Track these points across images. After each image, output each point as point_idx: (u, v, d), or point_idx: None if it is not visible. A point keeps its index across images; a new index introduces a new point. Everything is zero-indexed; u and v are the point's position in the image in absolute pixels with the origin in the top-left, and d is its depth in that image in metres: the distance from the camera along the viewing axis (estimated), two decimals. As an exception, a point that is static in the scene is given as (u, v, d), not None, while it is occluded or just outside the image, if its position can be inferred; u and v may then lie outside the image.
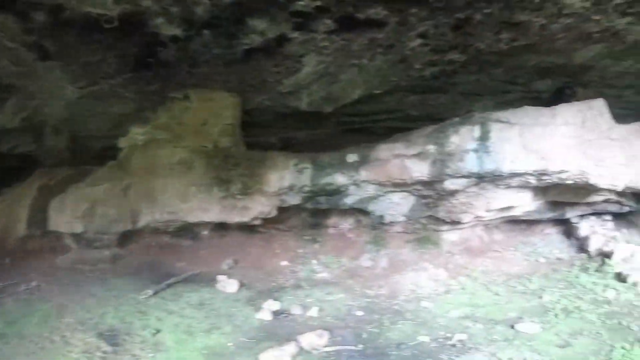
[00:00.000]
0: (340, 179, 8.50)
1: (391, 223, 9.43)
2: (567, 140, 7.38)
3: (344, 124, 10.67)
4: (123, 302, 7.07)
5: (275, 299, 7.39)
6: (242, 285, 8.05)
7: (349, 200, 8.88)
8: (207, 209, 8.58)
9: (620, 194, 8.24)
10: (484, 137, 7.56)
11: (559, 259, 8.98)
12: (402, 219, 9.27)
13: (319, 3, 5.49)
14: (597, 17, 6.09)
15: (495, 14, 5.96)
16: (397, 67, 7.55)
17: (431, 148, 7.96)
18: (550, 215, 9.27)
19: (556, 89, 9.03)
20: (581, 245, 9.10)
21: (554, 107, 7.65)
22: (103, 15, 5.52)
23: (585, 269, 8.20)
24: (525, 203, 8.62)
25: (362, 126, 10.93)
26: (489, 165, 7.50)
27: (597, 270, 8.04)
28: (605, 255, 8.31)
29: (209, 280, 8.17)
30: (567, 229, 9.65)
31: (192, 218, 8.71)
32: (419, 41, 6.68)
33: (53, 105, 8.20)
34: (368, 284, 8.32)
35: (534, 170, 7.44)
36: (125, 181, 8.75)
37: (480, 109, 8.18)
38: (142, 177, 8.71)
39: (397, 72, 7.79)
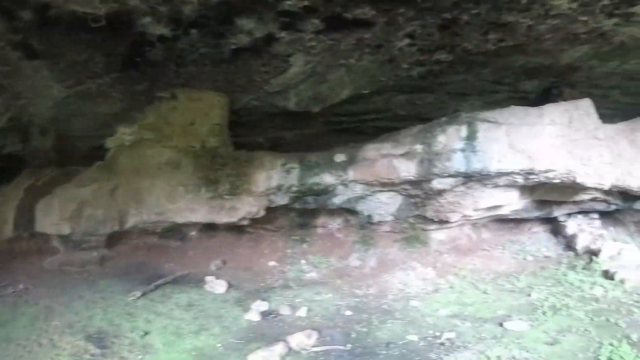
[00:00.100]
0: (328, 178, 8.50)
1: (379, 222, 9.46)
2: (553, 139, 7.44)
3: (332, 124, 10.67)
4: (111, 304, 7.03)
5: (264, 300, 7.39)
6: (230, 285, 8.04)
7: (337, 200, 8.89)
8: (195, 209, 8.55)
9: (607, 192, 8.31)
10: (471, 137, 7.59)
11: (546, 257, 9.07)
12: (390, 218, 9.29)
13: (306, 3, 5.49)
14: (584, 18, 6.13)
15: (483, 15, 5.98)
16: (384, 67, 7.57)
17: (418, 148, 7.98)
18: (537, 214, 9.35)
19: (543, 89, 9.09)
20: (569, 244, 9.21)
21: (540, 107, 7.71)
22: (90, 14, 5.49)
23: (572, 267, 8.29)
24: (512, 202, 8.68)
25: (350, 126, 10.93)
26: (476, 165, 7.54)
27: (584, 268, 8.14)
28: (593, 253, 8.41)
29: (198, 281, 8.16)
30: (555, 227, 9.76)
31: (180, 219, 8.66)
32: (406, 41, 6.70)
33: (40, 104, 8.12)
34: (357, 283, 8.34)
35: (521, 169, 7.48)
36: (112, 182, 8.69)
37: (468, 109, 8.21)
38: (129, 178, 8.66)
39: (385, 72, 7.80)
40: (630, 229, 9.78)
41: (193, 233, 9.78)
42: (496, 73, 8.31)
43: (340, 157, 8.51)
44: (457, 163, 7.61)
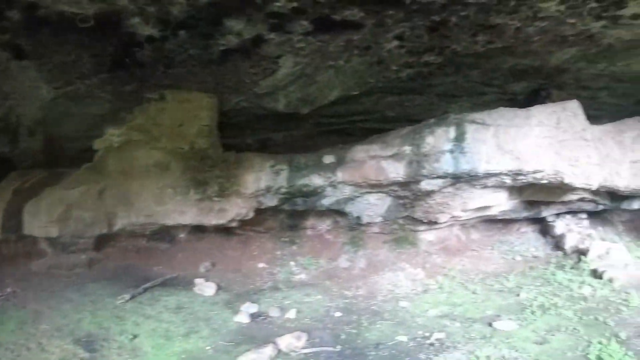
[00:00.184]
0: (316, 180, 8.50)
1: (368, 224, 9.47)
2: (541, 140, 7.48)
3: (321, 125, 10.66)
4: (100, 307, 6.99)
5: (253, 302, 7.39)
6: (219, 288, 8.02)
7: (325, 202, 8.89)
8: (183, 211, 8.50)
9: (595, 192, 8.39)
10: (459, 138, 7.61)
11: (535, 257, 9.14)
12: (379, 219, 9.31)
13: (295, 4, 5.48)
14: (572, 21, 6.16)
15: (471, 17, 6.00)
16: (373, 68, 7.58)
17: (407, 149, 8.01)
18: (526, 214, 9.41)
19: (532, 90, 9.14)
20: (557, 243, 9.29)
21: (528, 108, 7.75)
22: (78, 14, 5.46)
23: (561, 267, 8.36)
24: (501, 203, 8.74)
25: (339, 127, 10.93)
26: (465, 166, 7.57)
27: (573, 268, 8.21)
28: (581, 253, 8.49)
29: (187, 284, 8.13)
30: (543, 227, 9.83)
31: (169, 221, 8.62)
32: (395, 43, 6.71)
33: (28, 105, 8.07)
34: (346, 284, 8.36)
35: (509, 170, 7.52)
36: (100, 184, 8.61)
37: (457, 111, 8.24)
38: (118, 180, 8.59)
39: (374, 74, 7.81)
40: (619, 228, 9.90)
41: (182, 235, 9.72)
42: (485, 75, 8.34)
43: (329, 159, 8.51)
44: (446, 164, 7.63)
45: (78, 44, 6.26)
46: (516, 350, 5.55)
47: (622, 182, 8.00)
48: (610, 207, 9.21)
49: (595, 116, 8.29)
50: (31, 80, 7.23)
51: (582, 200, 8.76)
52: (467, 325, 6.41)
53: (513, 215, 9.46)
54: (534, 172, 7.51)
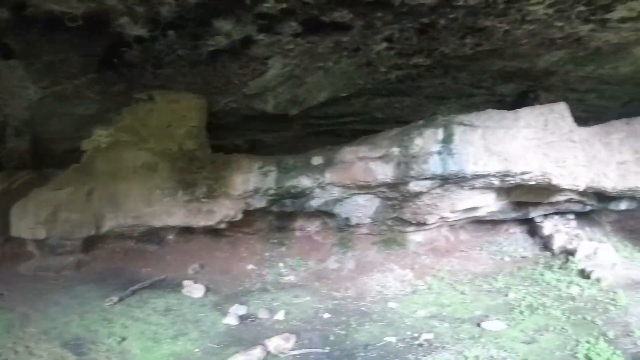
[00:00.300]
0: (305, 181, 8.47)
1: (357, 225, 9.47)
2: (529, 142, 7.52)
3: (310, 127, 10.68)
4: (88, 309, 6.92)
5: (242, 304, 7.35)
6: (208, 290, 7.98)
7: (314, 203, 8.86)
8: (172, 212, 8.44)
9: (583, 193, 8.45)
10: (447, 140, 7.64)
11: (523, 257, 9.18)
12: (368, 220, 9.31)
13: (284, 5, 5.49)
14: (560, 24, 6.22)
15: (460, 20, 6.04)
16: (362, 70, 7.60)
17: (395, 150, 8.01)
18: (514, 215, 9.47)
19: (520, 92, 9.21)
20: (545, 244, 9.34)
21: (516, 110, 7.79)
22: (67, 14, 5.43)
23: (549, 267, 8.41)
24: (489, 204, 8.78)
25: (328, 128, 10.96)
26: (453, 167, 7.58)
27: (561, 268, 8.26)
28: (569, 253, 8.54)
29: (175, 286, 8.08)
30: (531, 228, 9.89)
31: (157, 222, 8.55)
32: (384, 45, 6.74)
33: (15, 105, 8.02)
34: (335, 286, 8.35)
35: (497, 171, 7.55)
36: (88, 185, 8.53)
37: (446, 112, 8.23)
38: (105, 181, 8.51)
39: (363, 75, 7.84)
40: (606, 228, 9.98)
41: (170, 237, 9.65)
42: (473, 77, 8.39)
43: (317, 160, 8.49)
44: (434, 166, 7.65)
45: (66, 44, 6.23)
46: (505, 350, 5.57)
47: (609, 183, 8.06)
48: (597, 207, 9.28)
49: (582, 118, 8.34)
50: (19, 80, 7.19)
51: (569, 201, 8.82)
52: (456, 326, 6.43)
53: (501, 216, 9.52)
54: (522, 174, 7.55)
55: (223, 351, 5.81)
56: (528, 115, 7.68)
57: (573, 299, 7.04)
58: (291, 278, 8.80)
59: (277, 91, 8.16)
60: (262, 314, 7.03)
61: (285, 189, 8.49)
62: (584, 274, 7.78)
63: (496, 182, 7.86)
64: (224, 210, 8.51)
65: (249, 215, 9.02)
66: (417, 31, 6.36)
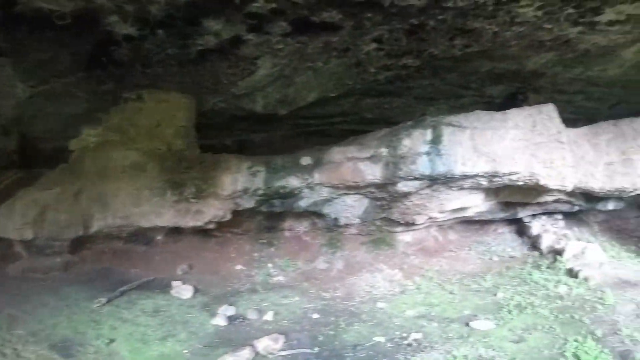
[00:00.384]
0: (294, 181, 8.46)
1: (346, 225, 9.49)
2: (517, 143, 7.57)
3: (300, 127, 10.68)
4: (76, 311, 6.87)
5: (231, 304, 7.33)
6: (197, 290, 7.94)
7: (303, 203, 8.86)
8: (160, 213, 8.40)
9: (570, 194, 8.51)
10: (435, 140, 7.67)
11: (512, 257, 9.23)
12: (356, 221, 9.33)
13: (273, 5, 5.48)
14: (549, 26, 6.26)
15: (449, 21, 6.06)
16: (352, 70, 7.61)
17: (384, 151, 8.03)
18: (502, 215, 9.53)
19: (509, 94, 9.26)
20: (533, 244, 9.40)
21: (505, 111, 7.84)
22: (56, 11, 5.39)
23: (537, 266, 8.45)
24: (477, 204, 8.83)
25: (317, 129, 10.96)
26: (441, 168, 7.62)
27: (549, 267, 8.31)
28: (557, 253, 8.60)
29: (164, 287, 8.03)
30: (520, 228, 9.95)
31: (146, 223, 8.51)
32: (373, 45, 6.75)
33: (3, 104, 7.94)
34: (324, 286, 8.34)
35: (485, 172, 7.60)
36: (76, 185, 8.47)
37: (435, 113, 8.31)
38: (94, 181, 8.46)
39: (352, 76, 7.85)
40: (594, 228, 10.06)
41: (159, 237, 9.58)
42: (462, 78, 8.43)
43: (306, 160, 8.48)
44: (422, 166, 7.68)
45: (55, 42, 6.19)
46: (493, 350, 5.60)
47: (597, 183, 8.14)
48: (585, 208, 9.36)
49: (571, 119, 8.41)
50: (7, 79, 7.12)
51: (557, 201, 8.89)
52: (445, 325, 6.45)
53: (490, 216, 9.57)
54: (510, 174, 7.60)
55: (212, 352, 5.79)
56: (516, 117, 7.73)
57: (561, 298, 7.08)
58: (280, 278, 8.79)
59: (266, 91, 8.15)
60: (251, 315, 7.01)
61: (274, 189, 8.48)
62: (572, 274, 7.84)
63: (484, 182, 7.91)
64: (213, 211, 8.47)
65: (238, 215, 8.99)
66: (407, 32, 6.37)
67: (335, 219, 9.23)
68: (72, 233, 8.54)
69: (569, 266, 8.06)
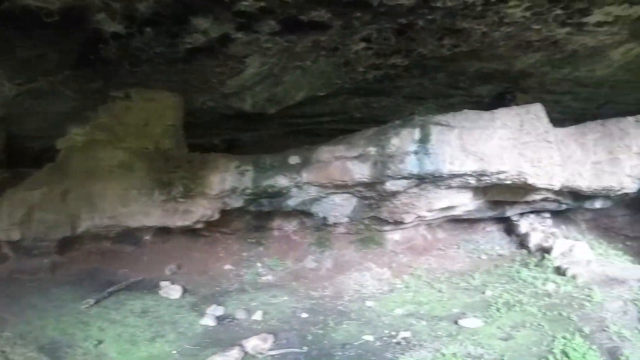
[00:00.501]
0: (282, 181, 8.44)
1: (335, 224, 9.49)
2: (505, 142, 7.63)
3: (288, 126, 10.66)
4: (64, 312, 6.84)
5: (220, 304, 7.33)
6: (185, 290, 7.93)
7: (291, 202, 8.86)
8: (148, 213, 8.34)
9: (558, 192, 8.60)
10: (424, 140, 7.69)
11: (500, 255, 9.29)
12: (345, 220, 9.34)
13: (262, 4, 5.44)
14: (537, 27, 6.27)
15: (438, 21, 6.05)
16: (340, 69, 7.60)
17: (372, 150, 8.04)
18: (491, 213, 9.59)
19: (497, 93, 9.29)
20: (521, 242, 9.46)
21: (493, 110, 7.89)
22: (43, 9, 5.31)
23: (525, 264, 8.53)
24: (466, 203, 8.87)
25: (306, 128, 10.95)
26: (429, 167, 7.65)
27: (537, 265, 8.39)
28: (545, 251, 8.67)
29: (152, 287, 8.00)
30: (508, 226, 10.02)
31: (134, 223, 8.45)
32: (362, 45, 6.73)
33: (-11, 103, 7.83)
34: (313, 285, 8.36)
35: (473, 171, 7.64)
36: (64, 185, 8.38)
37: (423, 112, 8.29)
38: (81, 181, 8.36)
39: (341, 75, 7.84)
40: (582, 227, 10.16)
41: (147, 237, 9.51)
42: (451, 77, 8.43)
43: (294, 159, 8.47)
44: (410, 165, 7.70)
45: (42, 40, 6.10)
46: (482, 347, 5.65)
47: (584, 182, 8.22)
48: (573, 206, 9.44)
49: (558, 119, 8.48)
50: (-7, 77, 7.04)
51: (545, 200, 8.96)
52: (433, 324, 6.50)
53: (478, 215, 9.63)
54: (498, 173, 7.66)
55: (200, 352, 5.79)
56: (504, 116, 7.78)
57: (549, 295, 7.15)
58: (269, 278, 8.77)
59: (255, 90, 8.12)
60: (240, 315, 7.01)
61: (262, 188, 8.46)
62: (559, 271, 7.91)
63: (473, 181, 7.95)
64: (201, 210, 8.43)
65: (227, 215, 8.96)
66: (395, 32, 6.37)
67: (324, 218, 9.23)
68: (60, 233, 8.45)
69: (556, 264, 8.14)
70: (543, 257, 8.51)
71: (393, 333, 6.28)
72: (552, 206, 9.43)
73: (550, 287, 7.42)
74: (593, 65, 7.73)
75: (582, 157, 8.21)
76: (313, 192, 8.66)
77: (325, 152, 8.37)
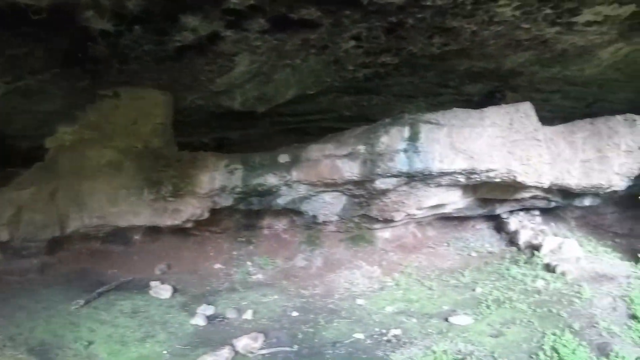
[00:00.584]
0: (271, 179, 8.44)
1: (325, 222, 9.50)
2: (494, 140, 7.66)
3: (278, 124, 10.61)
4: (54, 314, 6.79)
5: (210, 304, 7.32)
6: (176, 290, 7.91)
7: (281, 201, 8.85)
8: (137, 212, 8.29)
9: (547, 190, 8.66)
10: (413, 138, 7.70)
11: (490, 252, 9.35)
12: (335, 218, 9.35)
13: (252, 2, 5.42)
14: (527, 26, 6.29)
15: (428, 19, 6.05)
16: (330, 68, 7.58)
17: (361, 148, 8.04)
18: (480, 211, 9.63)
19: (487, 92, 9.32)
20: (511, 239, 9.53)
21: (482, 109, 7.91)
22: (31, 6, 5.25)
23: (515, 262, 8.59)
24: (455, 201, 8.90)
25: (296, 126, 10.90)
26: (418, 165, 7.66)
27: (526, 262, 8.46)
28: (534, 248, 8.74)
29: (142, 287, 7.98)
30: (498, 224, 10.08)
31: (123, 222, 8.40)
32: (352, 43, 6.72)
33: (-24, 102, 7.73)
34: (303, 284, 8.37)
35: (463, 169, 7.66)
36: (52, 184, 8.32)
37: (413, 111, 8.30)
38: (70, 180, 8.30)
39: (331, 73, 7.81)
40: (571, 224, 10.25)
41: (137, 237, 9.48)
42: (441, 76, 8.44)
43: (284, 158, 8.46)
44: (400, 163, 7.71)
45: (30, 38, 6.03)
46: (472, 344, 5.69)
47: (573, 180, 8.28)
48: (562, 204, 9.51)
49: (548, 118, 8.52)
50: (-20, 76, 6.95)
51: (535, 197, 9.02)
52: (424, 321, 6.53)
53: (468, 213, 9.66)
54: (487, 171, 7.69)
55: (191, 352, 5.79)
56: (494, 114, 7.81)
57: (539, 292, 7.21)
58: (259, 277, 8.77)
59: (244, 88, 8.07)
60: (230, 314, 7.00)
61: (251, 187, 8.44)
62: (549, 268, 7.98)
63: (462, 179, 7.98)
64: (191, 209, 8.41)
65: (216, 213, 8.94)
66: (385, 30, 6.36)
67: (314, 217, 9.24)
68: (49, 234, 8.40)
69: (546, 261, 8.20)
70: (533, 255, 8.57)
71: (384, 331, 6.30)
72: (542, 204, 9.49)
73: (540, 284, 7.48)
74: (582, 64, 7.77)
75: (571, 156, 8.27)
76: (303, 190, 8.66)
77: (314, 151, 8.37)
